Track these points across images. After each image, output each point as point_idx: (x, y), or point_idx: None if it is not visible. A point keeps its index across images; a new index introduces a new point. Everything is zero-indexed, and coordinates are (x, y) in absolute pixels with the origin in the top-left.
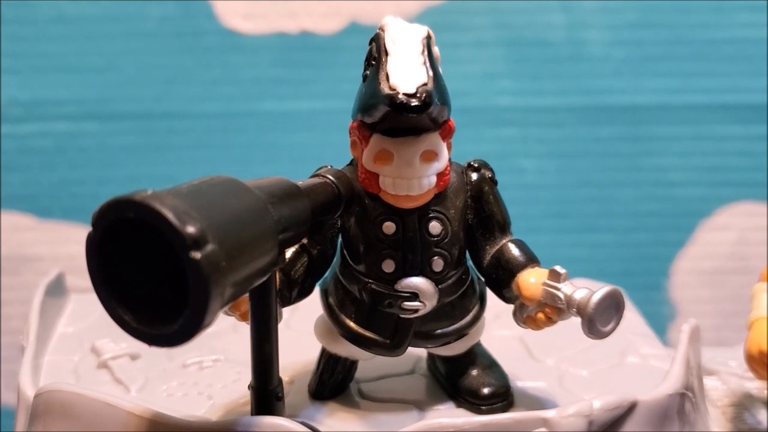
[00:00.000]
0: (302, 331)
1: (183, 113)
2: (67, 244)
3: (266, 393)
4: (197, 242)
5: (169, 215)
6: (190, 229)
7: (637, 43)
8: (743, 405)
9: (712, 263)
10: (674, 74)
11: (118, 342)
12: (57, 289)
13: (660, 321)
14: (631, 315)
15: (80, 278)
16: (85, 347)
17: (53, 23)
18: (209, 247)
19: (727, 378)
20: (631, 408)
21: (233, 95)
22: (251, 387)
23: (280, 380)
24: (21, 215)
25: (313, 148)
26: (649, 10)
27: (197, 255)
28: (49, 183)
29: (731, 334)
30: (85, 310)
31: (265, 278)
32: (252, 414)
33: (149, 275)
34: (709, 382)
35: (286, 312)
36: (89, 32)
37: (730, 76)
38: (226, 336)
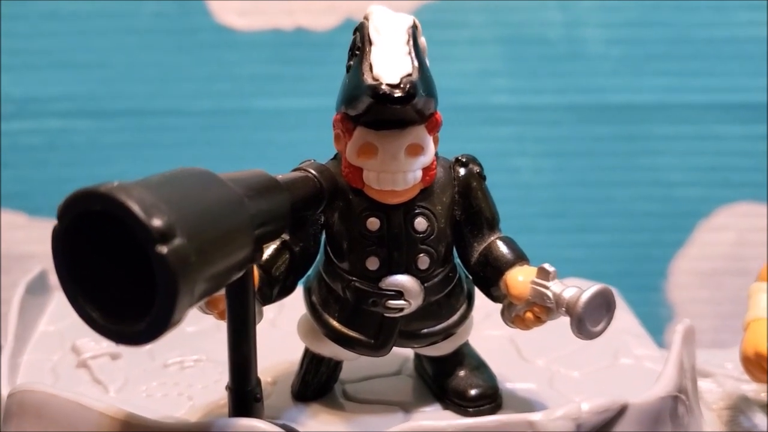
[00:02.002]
0: (289, 331)
1: (176, 110)
2: None
3: (244, 394)
4: (164, 236)
5: (135, 207)
6: (157, 222)
7: (635, 41)
8: (739, 408)
9: (711, 264)
10: (672, 73)
11: (99, 341)
12: (39, 287)
13: (658, 322)
14: (625, 315)
15: None
16: (65, 346)
17: (46, 19)
18: (177, 241)
19: (722, 380)
20: (622, 411)
21: (227, 92)
22: (228, 388)
23: (258, 381)
24: (12, 213)
25: (308, 145)
26: (647, 8)
27: (164, 249)
28: (41, 180)
29: (729, 335)
30: (68, 308)
31: (240, 274)
32: (229, 416)
33: (117, 270)
34: (704, 384)
35: (272, 311)
36: (82, 28)
37: (729, 75)
38: (209, 335)
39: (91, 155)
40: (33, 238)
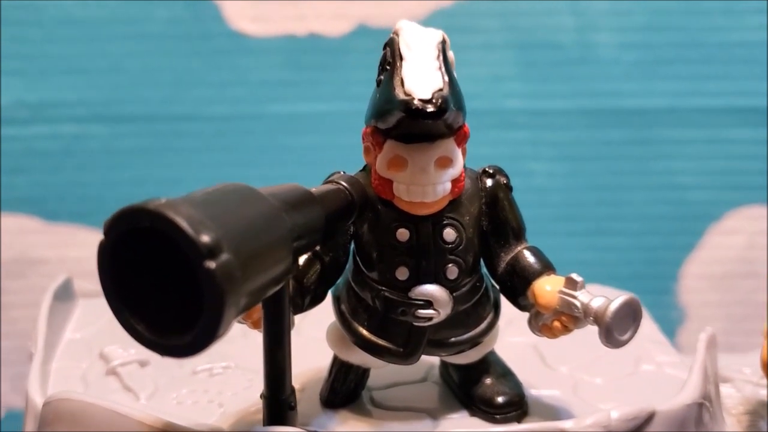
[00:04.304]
0: (313, 338)
1: (190, 116)
2: (73, 247)
3: (278, 402)
4: (212, 252)
5: (184, 224)
6: (205, 239)
7: (647, 45)
8: (758, 413)
9: (722, 267)
10: (684, 77)
11: (127, 348)
12: (65, 294)
13: (669, 325)
14: (646, 322)
15: (88, 281)
16: (93, 353)
17: (60, 25)
18: (224, 256)
19: (741, 385)
20: (649, 418)
21: (241, 98)
22: (263, 396)
23: (292, 389)
24: (27, 218)
25: (322, 150)
26: (659, 12)
27: (212, 265)
28: (56, 185)
29: (740, 338)
30: (93, 315)
31: (279, 287)
32: (264, 424)
33: (162, 284)
34: (723, 389)
35: (297, 318)
36: (96, 34)
37: (740, 79)
38: (237, 342)
39: (106, 160)
40: (49, 243)
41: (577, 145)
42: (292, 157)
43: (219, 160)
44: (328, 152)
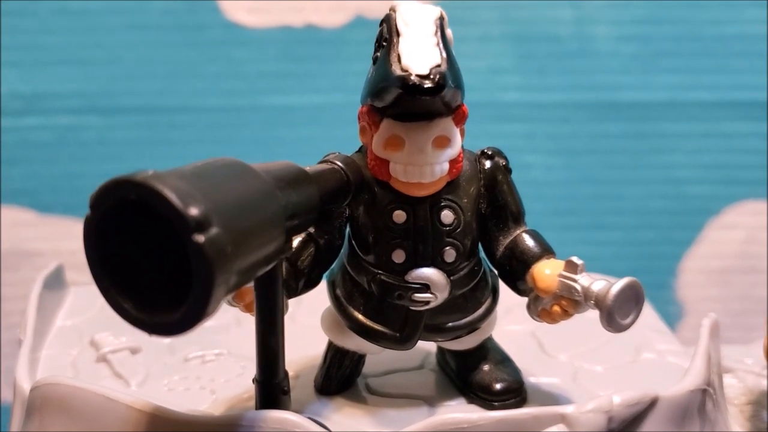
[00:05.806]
0: (307, 325)
1: (186, 107)
2: (68, 239)
3: (272, 386)
4: (201, 225)
5: (171, 196)
6: (194, 211)
7: (646, 38)
8: (760, 403)
9: (720, 262)
10: (683, 70)
11: (118, 335)
12: (56, 282)
13: (667, 320)
14: (646, 311)
15: (81, 274)
16: (84, 341)
17: (55, 15)
18: (213, 230)
19: (743, 376)
20: (652, 404)
21: (237, 89)
22: (256, 380)
23: (286, 373)
24: (21, 210)
25: (318, 142)
26: (657, 5)
27: (201, 238)
28: (50, 177)
29: (739, 333)
30: (85, 303)
31: (270, 267)
32: (257, 408)
33: (150, 261)
34: (725, 380)
35: (291, 305)
36: (91, 25)
37: (739, 72)
38: (229, 330)
39: (101, 152)
40: (42, 235)
41: (575, 139)
42: (288, 150)
43: (214, 152)
44: (324, 144)
